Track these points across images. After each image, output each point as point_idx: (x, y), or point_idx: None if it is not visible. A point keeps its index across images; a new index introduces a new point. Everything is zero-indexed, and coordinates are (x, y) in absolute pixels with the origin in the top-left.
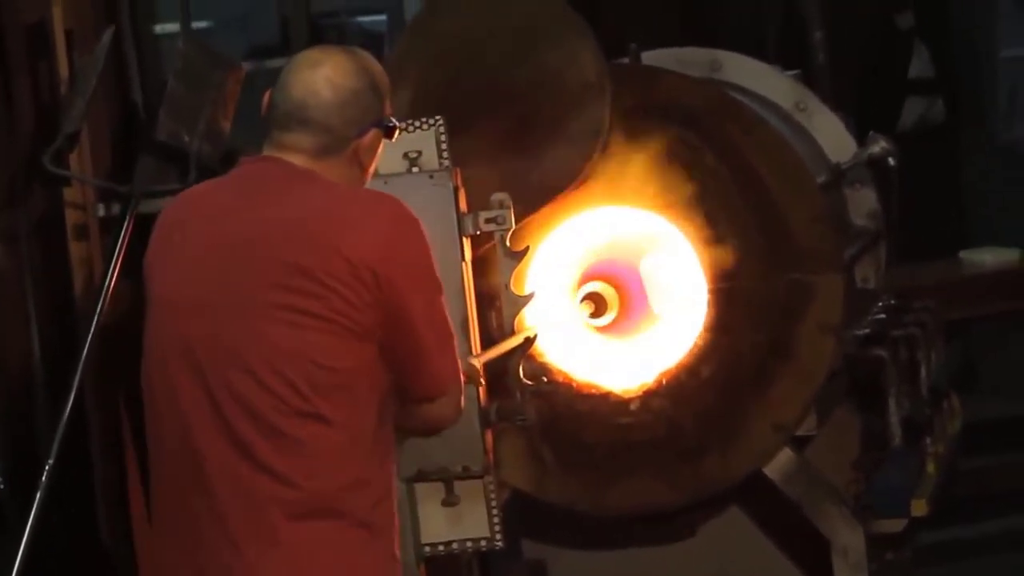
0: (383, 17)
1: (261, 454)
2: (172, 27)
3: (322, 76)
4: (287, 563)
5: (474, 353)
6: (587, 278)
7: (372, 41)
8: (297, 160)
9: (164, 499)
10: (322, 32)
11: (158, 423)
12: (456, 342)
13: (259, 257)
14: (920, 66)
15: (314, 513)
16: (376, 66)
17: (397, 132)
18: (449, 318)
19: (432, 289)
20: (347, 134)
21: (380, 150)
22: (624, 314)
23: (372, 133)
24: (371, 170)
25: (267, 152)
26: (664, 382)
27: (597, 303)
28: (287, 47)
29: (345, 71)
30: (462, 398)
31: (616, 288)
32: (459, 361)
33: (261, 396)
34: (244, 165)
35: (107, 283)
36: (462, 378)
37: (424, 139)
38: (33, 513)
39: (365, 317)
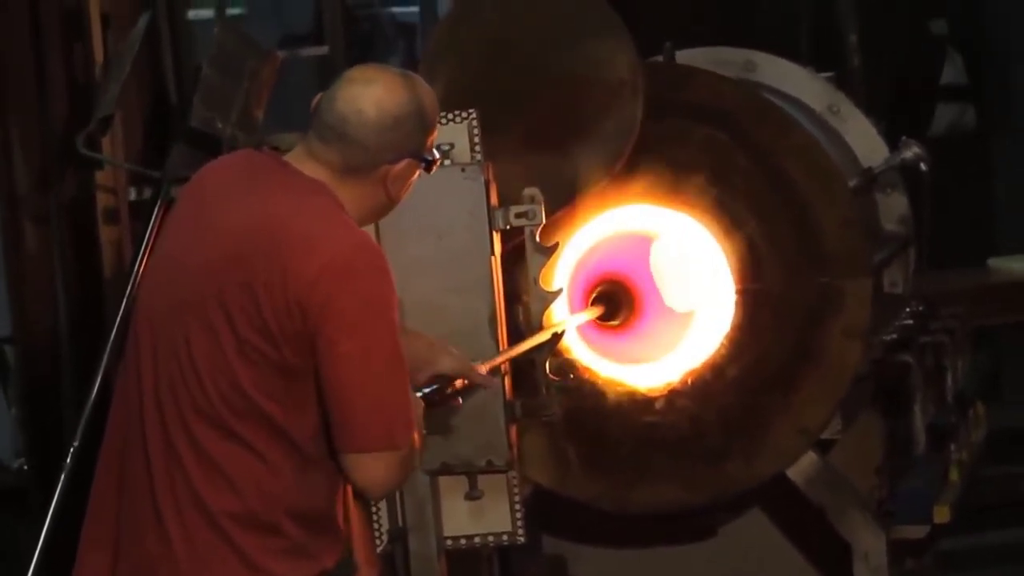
0: (416, 8)
1: (183, 455)
2: (206, 13)
3: (371, 95)
4: (192, 560)
5: (500, 349)
6: (598, 279)
7: (404, 32)
8: (318, 172)
9: (108, 464)
10: (356, 22)
11: (120, 393)
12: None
13: (217, 260)
14: (953, 73)
15: (234, 519)
16: (428, 97)
17: (436, 166)
18: (402, 377)
19: (375, 340)
20: (381, 158)
21: (412, 180)
22: (638, 313)
23: (406, 163)
24: (398, 199)
25: (297, 151)
26: (690, 381)
27: (608, 305)
28: (320, 36)
29: (395, 95)
30: (404, 464)
31: (629, 287)
32: (407, 423)
33: (184, 396)
34: (259, 157)
35: (136, 267)
36: (413, 441)
37: (457, 132)
38: (56, 496)
39: (291, 352)
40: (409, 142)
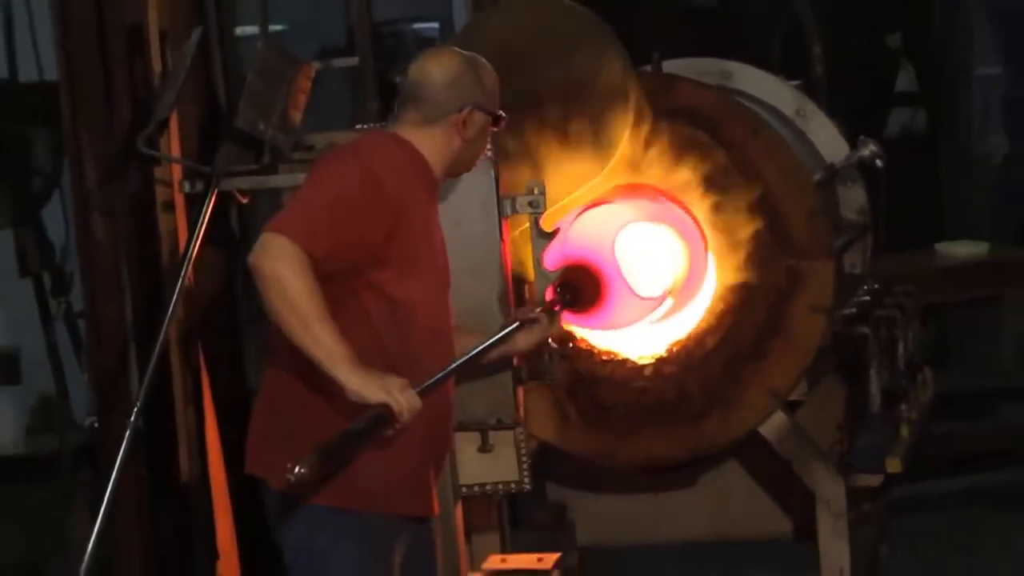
0: (435, 24)
1: None
2: (251, 30)
3: (434, 61)
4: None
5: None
6: (564, 264)
7: (425, 45)
8: (404, 131)
9: None
10: (383, 37)
11: None
12: (330, 221)
13: None
14: (906, 81)
15: None
16: (487, 67)
17: (503, 123)
18: (331, 208)
19: (320, 173)
20: (449, 108)
21: (484, 132)
22: (607, 298)
23: (470, 111)
24: (473, 144)
25: (394, 124)
26: (674, 351)
27: (573, 291)
28: (351, 49)
29: (455, 60)
30: (274, 248)
31: (596, 273)
32: (302, 221)
33: None
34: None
35: (190, 252)
36: (290, 250)
37: None
38: (123, 450)
39: None
40: (470, 95)
